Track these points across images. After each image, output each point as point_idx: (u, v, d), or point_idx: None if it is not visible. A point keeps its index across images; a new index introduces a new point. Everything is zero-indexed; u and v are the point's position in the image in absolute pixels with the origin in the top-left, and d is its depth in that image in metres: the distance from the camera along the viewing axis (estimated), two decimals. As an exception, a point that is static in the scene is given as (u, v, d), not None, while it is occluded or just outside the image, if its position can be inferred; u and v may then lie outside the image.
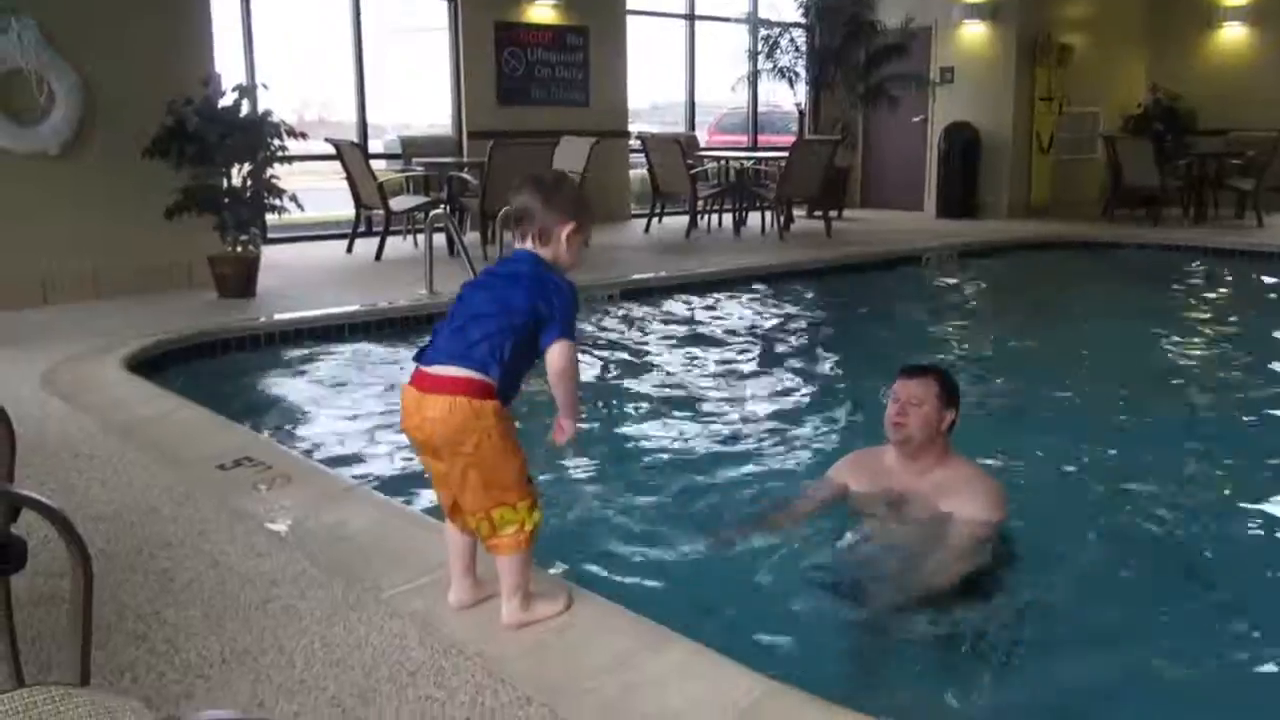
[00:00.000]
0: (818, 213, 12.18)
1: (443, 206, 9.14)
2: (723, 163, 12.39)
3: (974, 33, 13.55)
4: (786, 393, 5.78)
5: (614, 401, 5.48)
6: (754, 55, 13.21)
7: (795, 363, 6.64)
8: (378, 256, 9.28)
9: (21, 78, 6.97)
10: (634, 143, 12.46)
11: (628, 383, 5.86)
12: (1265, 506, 3.98)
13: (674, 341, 6.94)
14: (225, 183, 7.31)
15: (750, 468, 4.39)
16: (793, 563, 3.33)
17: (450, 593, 2.74)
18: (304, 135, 7.54)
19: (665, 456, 4.56)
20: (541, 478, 3.14)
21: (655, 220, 11.90)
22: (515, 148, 9.54)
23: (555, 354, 2.52)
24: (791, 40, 13.05)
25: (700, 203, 11.63)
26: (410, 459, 4.02)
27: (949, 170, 13.43)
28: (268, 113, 7.27)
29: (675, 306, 7.97)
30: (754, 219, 12.09)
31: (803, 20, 13.16)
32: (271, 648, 2.59)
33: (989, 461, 3.97)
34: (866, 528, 3.48)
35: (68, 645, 1.73)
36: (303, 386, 5.76)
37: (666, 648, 2.53)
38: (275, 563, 3.08)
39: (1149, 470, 4.42)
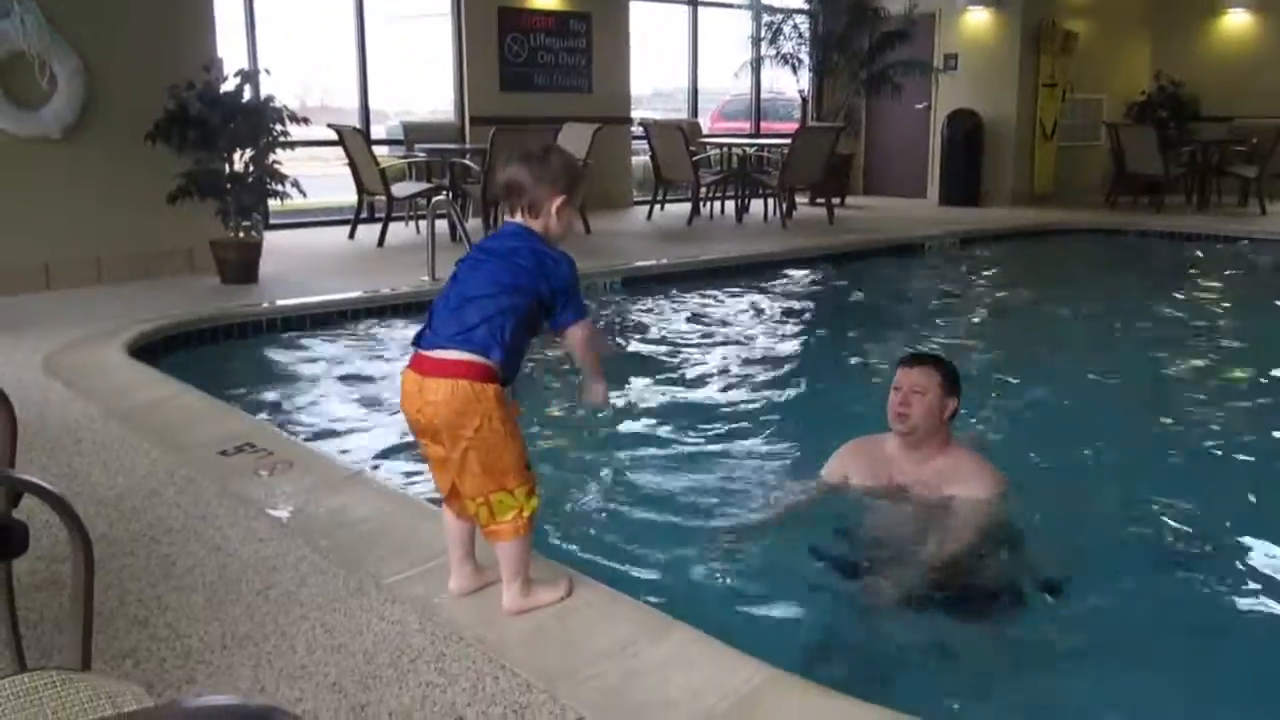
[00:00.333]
0: (820, 200, 12.17)
1: (445, 192, 9.13)
2: (725, 150, 12.36)
3: (978, 19, 13.50)
4: (788, 380, 5.78)
5: (615, 389, 5.47)
6: (757, 41, 13.17)
7: (797, 350, 6.64)
8: (380, 242, 9.28)
9: (24, 61, 6.96)
10: (636, 129, 12.44)
11: (629, 370, 5.85)
12: (1266, 489, 3.99)
13: (676, 329, 6.94)
14: (227, 168, 7.31)
15: (750, 455, 4.39)
16: (793, 550, 3.34)
17: (450, 579, 2.75)
18: (306, 121, 7.52)
19: (665, 443, 4.56)
20: (542, 466, 3.15)
21: (657, 207, 11.88)
22: (517, 134, 9.52)
23: (575, 333, 2.62)
24: (795, 26, 13.00)
25: (702, 190, 11.62)
26: (412, 445, 4.02)
27: (952, 158, 13.39)
28: (270, 98, 7.26)
29: (677, 294, 7.96)
30: (756, 206, 12.07)
31: (806, 6, 13.12)
32: (273, 633, 2.60)
33: (991, 441, 3.98)
34: (867, 515, 3.48)
35: (69, 630, 1.73)
36: (304, 372, 5.76)
37: (667, 635, 2.53)
38: (276, 548, 3.09)
39: (1153, 457, 4.43)
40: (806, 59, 12.97)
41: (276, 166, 7.37)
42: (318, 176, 9.26)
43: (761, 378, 5.77)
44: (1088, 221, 11.84)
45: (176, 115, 7.02)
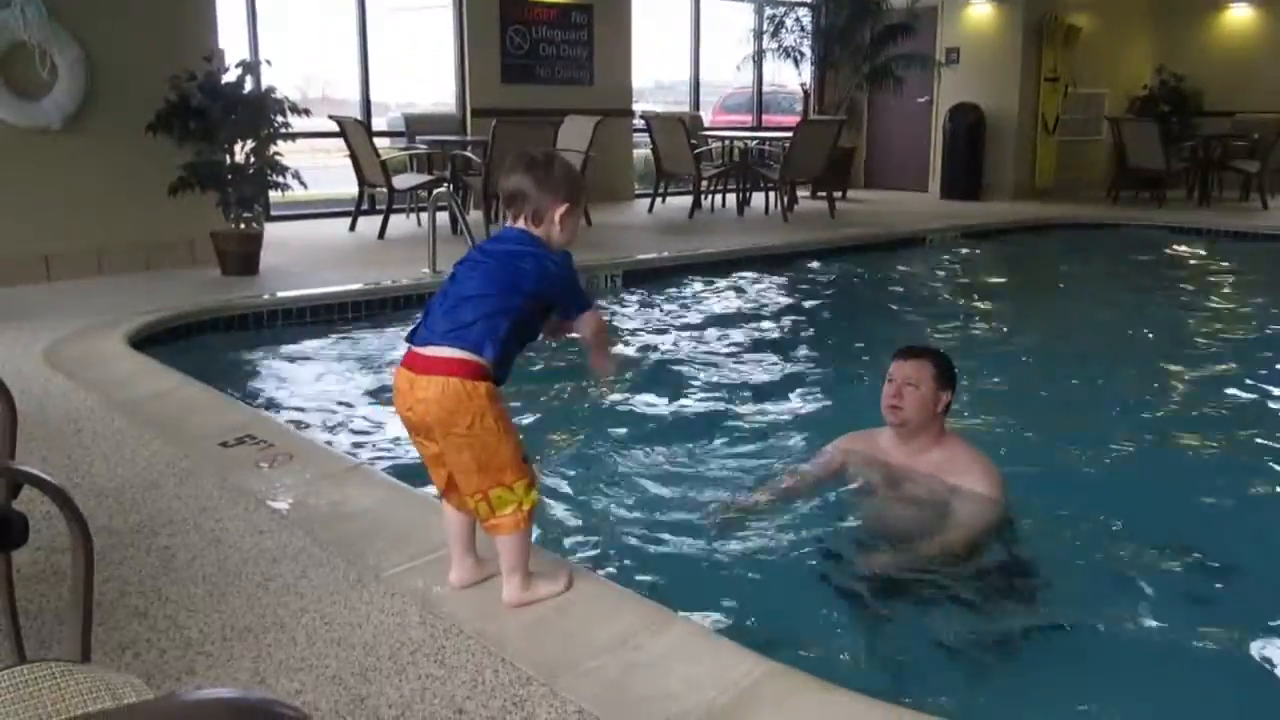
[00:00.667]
0: (822, 193, 12.16)
1: (446, 185, 9.12)
2: (727, 143, 12.35)
3: (980, 13, 13.48)
4: (787, 373, 5.77)
5: (615, 381, 5.48)
6: (759, 34, 13.16)
7: (796, 343, 6.63)
8: (381, 234, 9.27)
9: (25, 51, 6.94)
10: (638, 122, 12.41)
11: (630, 363, 5.84)
12: (1268, 479, 3.99)
13: (676, 321, 6.93)
14: (228, 159, 7.30)
15: (749, 447, 4.39)
16: (791, 544, 3.34)
17: (451, 572, 2.75)
18: (307, 112, 7.51)
19: (665, 436, 4.55)
20: (542, 460, 3.14)
21: (659, 200, 11.87)
22: (519, 127, 9.52)
23: (585, 324, 2.67)
24: (797, 20, 13.00)
25: (704, 183, 11.60)
26: (412, 437, 4.02)
27: (953, 151, 13.39)
28: (271, 89, 7.26)
29: (678, 287, 7.95)
30: (758, 199, 12.06)
31: (808, 0, 13.11)
32: (273, 625, 2.60)
33: (987, 437, 3.97)
34: (862, 508, 3.49)
35: (69, 621, 1.73)
36: (305, 364, 5.76)
37: (667, 628, 2.53)
38: (277, 540, 3.09)
39: (1151, 451, 4.43)
40: (808, 52, 12.98)
41: (278, 158, 7.36)
42: (319, 168, 9.25)
43: (762, 371, 5.76)
44: (1089, 216, 11.83)
45: (178, 106, 7.01)
